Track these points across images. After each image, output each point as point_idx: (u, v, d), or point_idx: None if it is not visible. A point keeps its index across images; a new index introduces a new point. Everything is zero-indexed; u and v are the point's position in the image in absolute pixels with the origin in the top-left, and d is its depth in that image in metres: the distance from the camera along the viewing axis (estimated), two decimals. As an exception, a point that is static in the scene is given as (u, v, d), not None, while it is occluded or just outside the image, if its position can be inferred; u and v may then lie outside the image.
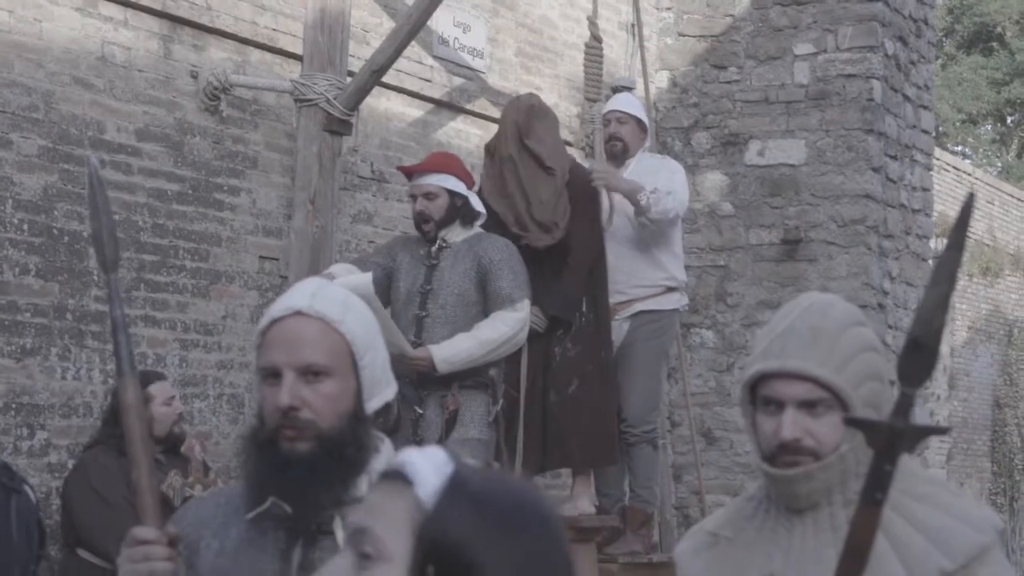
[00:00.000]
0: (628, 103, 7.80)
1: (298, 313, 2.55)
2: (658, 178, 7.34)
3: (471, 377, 6.06)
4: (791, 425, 2.54)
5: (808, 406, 2.54)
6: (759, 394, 2.60)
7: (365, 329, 2.61)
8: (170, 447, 6.42)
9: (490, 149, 6.96)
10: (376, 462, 2.57)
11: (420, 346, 5.98)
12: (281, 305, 2.59)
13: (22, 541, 2.85)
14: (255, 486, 2.56)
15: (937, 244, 15.70)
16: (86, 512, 6.07)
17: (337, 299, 2.61)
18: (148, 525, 2.41)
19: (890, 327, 10.47)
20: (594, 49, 7.91)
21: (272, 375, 2.53)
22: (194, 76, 7.50)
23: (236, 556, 2.57)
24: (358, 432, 2.56)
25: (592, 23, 8.07)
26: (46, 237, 6.72)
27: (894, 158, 10.59)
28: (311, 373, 2.52)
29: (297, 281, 7.35)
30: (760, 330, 2.69)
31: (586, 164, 7.64)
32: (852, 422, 2.43)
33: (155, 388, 6.27)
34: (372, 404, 2.61)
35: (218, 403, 7.53)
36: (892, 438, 2.26)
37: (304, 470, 2.49)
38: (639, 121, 7.59)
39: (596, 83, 7.85)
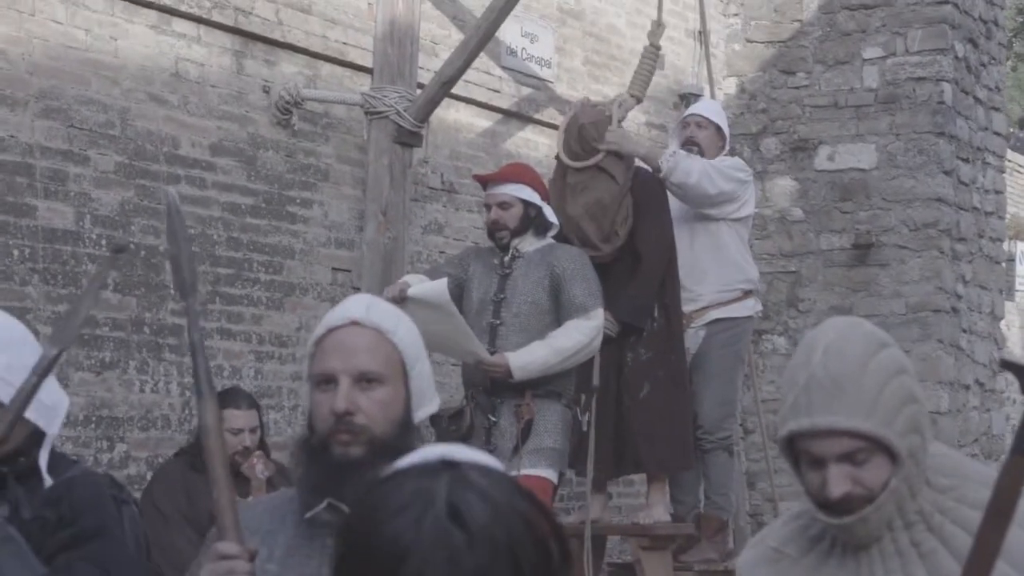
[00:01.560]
0: (710, 109, 7.79)
1: (354, 323, 2.64)
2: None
3: (544, 386, 6.07)
4: (837, 483, 2.46)
5: (848, 457, 2.46)
6: (798, 447, 2.52)
7: (415, 341, 2.70)
8: (232, 471, 6.23)
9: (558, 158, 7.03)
10: None
11: (495, 354, 6.00)
12: (337, 315, 2.67)
13: (135, 551, 2.90)
14: (309, 490, 2.63)
15: (1010, 247, 15.57)
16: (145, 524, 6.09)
17: (390, 311, 2.72)
18: (230, 541, 2.46)
19: (964, 331, 10.39)
20: (650, 52, 7.89)
21: (327, 381, 2.61)
22: (266, 91, 7.57)
23: (285, 561, 2.63)
24: (408, 440, 2.61)
25: (655, 27, 8.02)
26: (124, 252, 6.79)
27: (966, 161, 10.52)
28: (365, 380, 2.60)
29: (369, 292, 7.43)
30: (789, 366, 2.58)
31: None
32: (1007, 365, 2.30)
33: (227, 413, 6.14)
34: (420, 414, 2.70)
35: (293, 414, 7.58)
36: None
37: (358, 474, 2.53)
38: (718, 128, 7.54)
39: (643, 82, 7.81)
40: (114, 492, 3.05)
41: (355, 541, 1.60)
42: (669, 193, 7.14)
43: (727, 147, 7.60)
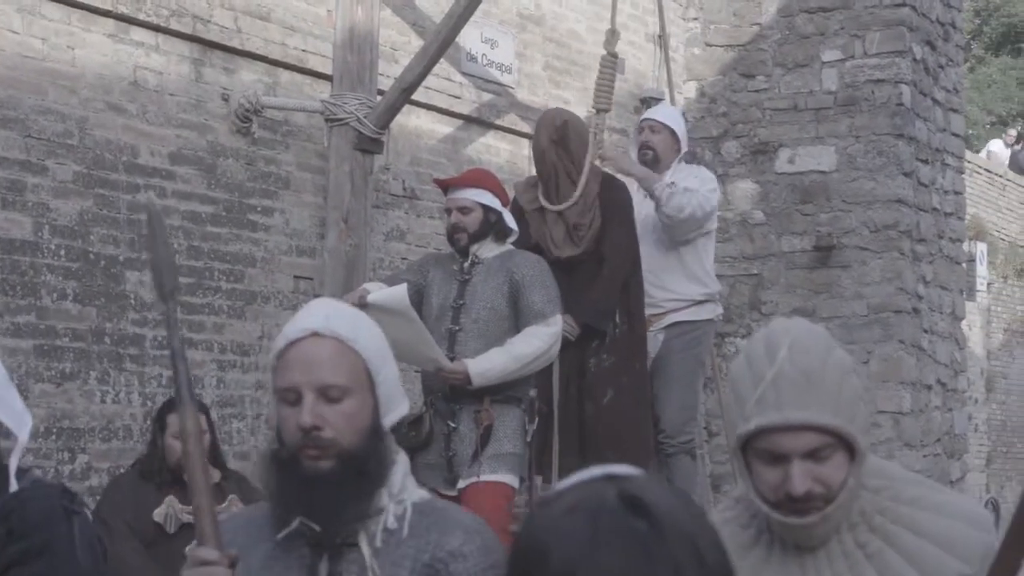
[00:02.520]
0: (664, 113, 7.81)
1: (314, 334, 2.60)
2: (687, 184, 7.35)
3: (504, 391, 6.07)
4: (800, 478, 2.44)
5: (813, 454, 2.45)
6: (756, 445, 2.49)
7: (378, 346, 2.66)
8: (178, 477, 6.20)
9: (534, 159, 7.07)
10: (395, 474, 2.63)
11: (454, 360, 6.01)
12: (296, 327, 2.63)
13: (88, 562, 2.88)
14: (280, 506, 2.61)
15: (970, 247, 15.68)
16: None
17: (349, 318, 2.67)
18: (209, 547, 2.46)
19: (925, 331, 10.45)
20: (608, 61, 7.93)
21: (291, 396, 2.58)
22: (225, 99, 7.55)
23: (263, 575, 2.62)
24: (378, 447, 2.61)
25: (610, 36, 8.06)
26: (83, 262, 6.78)
27: (925, 162, 10.58)
28: (330, 393, 2.57)
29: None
30: (736, 366, 2.56)
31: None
32: None
33: (172, 418, 6.16)
34: (389, 419, 2.66)
35: (256, 423, 7.57)
36: None
37: (329, 488, 2.53)
38: (672, 132, 7.57)
39: (607, 94, 7.86)
40: (65, 503, 3.04)
41: (528, 557, 1.57)
42: (650, 214, 7.22)
43: (683, 150, 7.61)
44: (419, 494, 2.69)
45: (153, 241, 2.68)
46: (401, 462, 2.67)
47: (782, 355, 2.48)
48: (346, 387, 2.57)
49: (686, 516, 1.58)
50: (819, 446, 2.45)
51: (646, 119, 7.68)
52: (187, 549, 2.54)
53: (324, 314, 2.64)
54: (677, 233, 7.34)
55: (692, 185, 7.28)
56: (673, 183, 7.26)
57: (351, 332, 2.62)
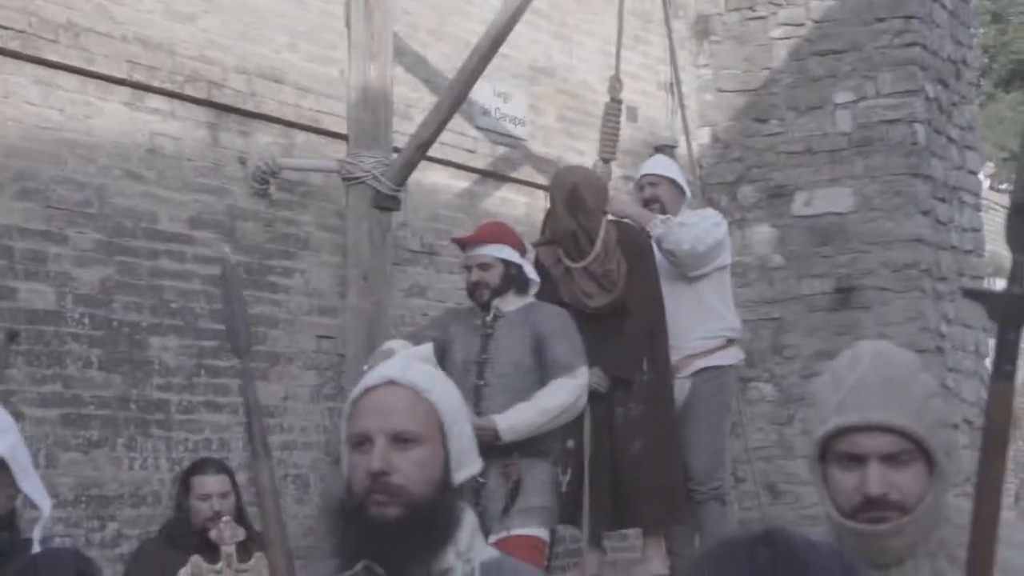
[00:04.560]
0: (658, 165, 7.79)
1: (390, 382, 2.60)
2: (684, 220, 7.36)
3: (531, 445, 6.06)
4: (877, 479, 2.46)
5: (891, 458, 2.47)
6: (834, 449, 2.51)
7: (454, 400, 2.65)
8: (203, 539, 6.15)
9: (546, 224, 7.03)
10: (463, 531, 2.60)
11: (480, 415, 5.99)
12: (374, 375, 2.64)
13: None
14: (345, 553, 2.57)
15: (990, 284, 15.62)
16: None
17: (427, 370, 2.69)
18: None
19: (950, 370, 10.41)
20: (612, 108, 7.95)
21: (363, 442, 2.56)
22: (242, 162, 7.58)
23: None
24: (447, 501, 2.57)
25: (614, 83, 8.11)
26: (106, 329, 6.80)
27: (942, 200, 10.57)
28: (402, 440, 2.55)
29: (354, 359, 7.42)
30: (818, 383, 2.60)
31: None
32: (969, 293, 2.43)
33: (196, 481, 6.15)
34: (459, 475, 2.62)
35: (283, 484, 7.55)
36: (1013, 306, 2.25)
37: (394, 535, 2.50)
38: (672, 181, 7.56)
39: (611, 143, 7.89)
40: (81, 565, 3.05)
41: None
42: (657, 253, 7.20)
43: (687, 195, 7.61)
44: (488, 552, 2.66)
45: (228, 296, 2.69)
46: (469, 520, 2.64)
47: (865, 362, 2.52)
48: (418, 435, 2.56)
49: (837, 564, 1.58)
50: (898, 451, 2.46)
51: (644, 176, 7.65)
52: None
53: (402, 364, 2.66)
54: (686, 269, 7.32)
55: (691, 220, 7.29)
56: (668, 218, 7.26)
57: (427, 383, 2.62)
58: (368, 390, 2.61)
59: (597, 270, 6.75)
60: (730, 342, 7.52)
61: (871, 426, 2.47)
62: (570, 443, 6.16)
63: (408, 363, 2.67)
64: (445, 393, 2.64)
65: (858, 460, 2.48)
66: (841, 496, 2.51)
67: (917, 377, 2.53)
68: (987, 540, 2.23)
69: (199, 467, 6.19)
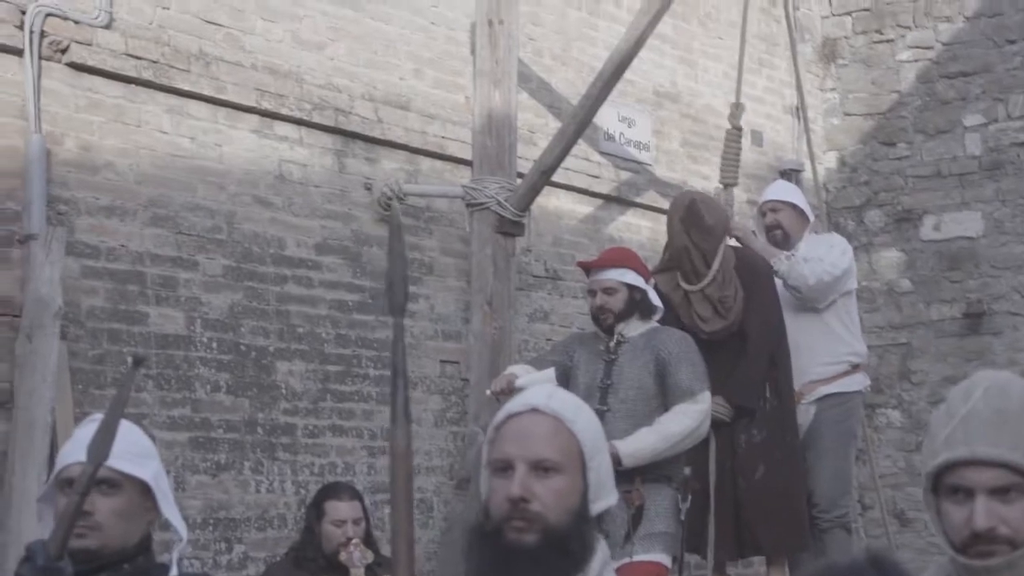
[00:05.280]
0: (779, 190, 7.72)
1: (534, 410, 2.63)
2: (819, 254, 7.28)
3: (654, 471, 6.03)
4: (984, 514, 2.43)
5: (1000, 492, 2.44)
6: (945, 482, 2.50)
7: (595, 432, 2.68)
8: (333, 563, 6.22)
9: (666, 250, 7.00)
10: (594, 561, 2.61)
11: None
12: (518, 402, 2.67)
13: None
14: None
15: None
16: None
17: (572, 401, 2.70)
18: (401, 572, 2.41)
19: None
20: (733, 135, 7.92)
21: (504, 468, 2.59)
22: (368, 188, 7.67)
23: None
24: (583, 530, 2.59)
25: (734, 109, 8.08)
26: (234, 354, 6.90)
27: (1075, 224, 10.37)
28: (542, 468, 2.57)
29: (478, 384, 7.46)
30: (935, 413, 2.59)
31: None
32: None
33: (329, 505, 6.20)
34: (596, 506, 2.65)
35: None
36: None
37: (530, 561, 2.52)
38: (794, 206, 7.48)
39: (733, 168, 7.85)
40: None
41: None
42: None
43: (810, 219, 7.53)
44: None
45: (391, 251, 2.71)
46: (602, 550, 2.66)
47: (977, 395, 2.50)
48: (559, 463, 2.58)
49: None
50: (1006, 485, 2.43)
51: (765, 202, 7.59)
52: None
53: (547, 393, 2.69)
54: (812, 302, 7.26)
55: (818, 253, 7.22)
56: (792, 254, 7.20)
57: (571, 413, 2.65)
58: (511, 416, 2.64)
59: (714, 294, 6.70)
60: (855, 368, 7.43)
61: (978, 461, 2.44)
62: (687, 470, 6.11)
63: (554, 392, 2.69)
64: (588, 424, 2.67)
65: (967, 494, 2.46)
66: (951, 530, 2.50)
67: None
68: None
69: (333, 492, 6.24)
